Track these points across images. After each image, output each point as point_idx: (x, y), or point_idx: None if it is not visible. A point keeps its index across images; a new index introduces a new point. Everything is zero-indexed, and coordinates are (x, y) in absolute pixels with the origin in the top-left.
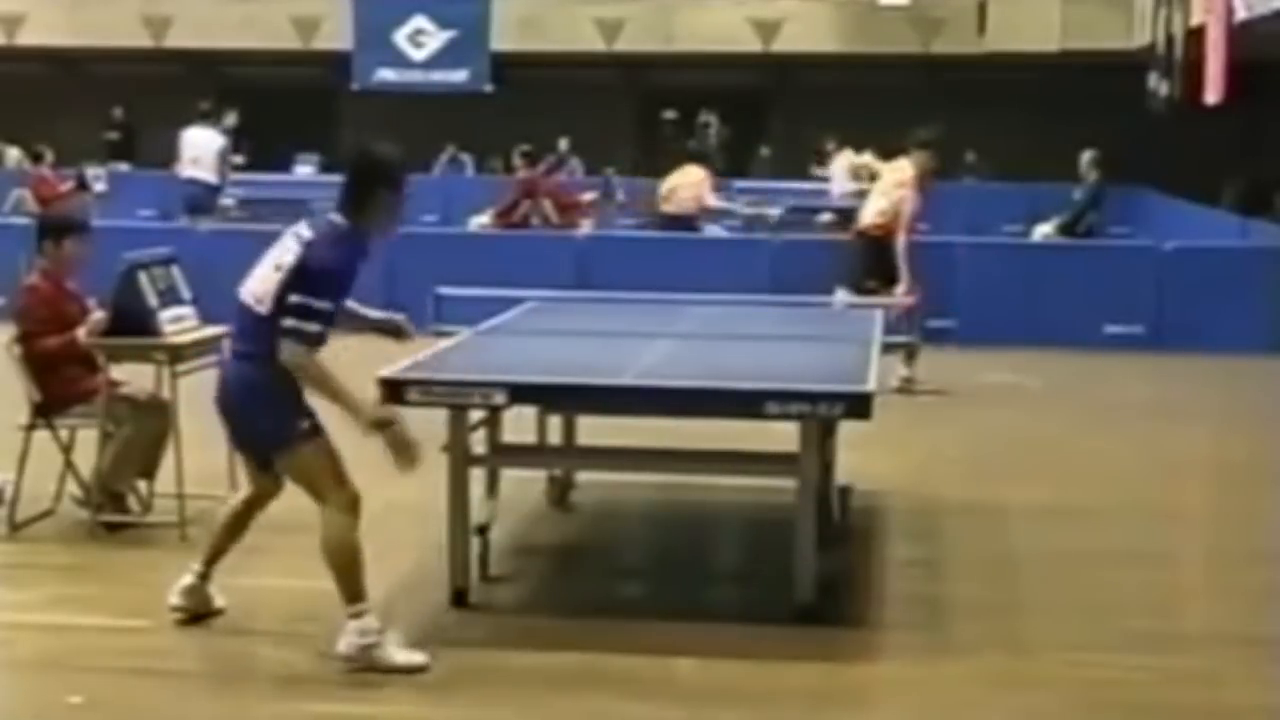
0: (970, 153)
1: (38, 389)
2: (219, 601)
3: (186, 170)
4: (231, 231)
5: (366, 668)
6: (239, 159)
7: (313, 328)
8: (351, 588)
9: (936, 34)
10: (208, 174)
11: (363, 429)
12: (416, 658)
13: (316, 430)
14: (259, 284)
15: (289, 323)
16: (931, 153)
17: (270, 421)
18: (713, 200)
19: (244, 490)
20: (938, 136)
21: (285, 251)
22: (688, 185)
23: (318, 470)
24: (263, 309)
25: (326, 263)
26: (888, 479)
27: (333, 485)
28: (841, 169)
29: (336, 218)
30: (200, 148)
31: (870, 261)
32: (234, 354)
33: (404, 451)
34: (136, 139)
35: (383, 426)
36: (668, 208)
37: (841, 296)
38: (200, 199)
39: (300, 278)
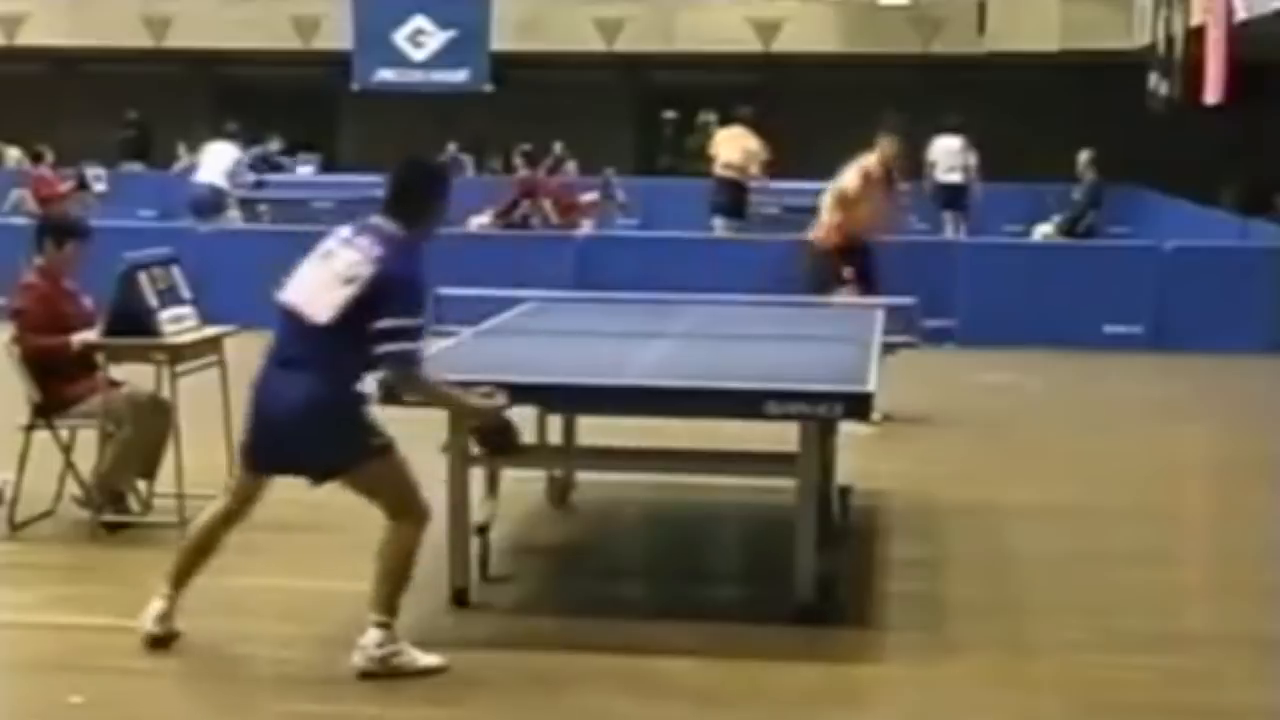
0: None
1: (38, 389)
2: (179, 624)
3: (201, 176)
4: (231, 232)
5: (389, 674)
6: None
7: (415, 346)
8: (393, 599)
9: (936, 34)
10: (218, 179)
11: (481, 422)
12: (434, 659)
13: (389, 446)
14: (316, 292)
15: (388, 348)
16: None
17: (338, 443)
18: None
19: (222, 501)
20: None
21: (350, 265)
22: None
23: (394, 484)
24: (321, 318)
25: (410, 278)
26: (888, 479)
27: (411, 499)
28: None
29: (392, 227)
30: (215, 155)
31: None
32: (282, 361)
33: (506, 435)
34: (151, 138)
35: (492, 416)
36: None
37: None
38: (207, 200)
39: (385, 298)
